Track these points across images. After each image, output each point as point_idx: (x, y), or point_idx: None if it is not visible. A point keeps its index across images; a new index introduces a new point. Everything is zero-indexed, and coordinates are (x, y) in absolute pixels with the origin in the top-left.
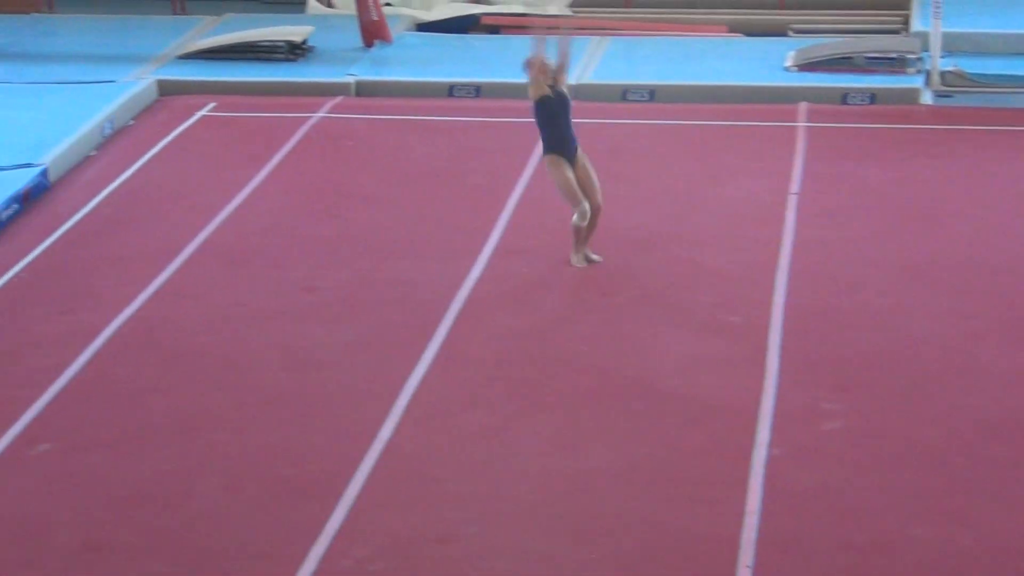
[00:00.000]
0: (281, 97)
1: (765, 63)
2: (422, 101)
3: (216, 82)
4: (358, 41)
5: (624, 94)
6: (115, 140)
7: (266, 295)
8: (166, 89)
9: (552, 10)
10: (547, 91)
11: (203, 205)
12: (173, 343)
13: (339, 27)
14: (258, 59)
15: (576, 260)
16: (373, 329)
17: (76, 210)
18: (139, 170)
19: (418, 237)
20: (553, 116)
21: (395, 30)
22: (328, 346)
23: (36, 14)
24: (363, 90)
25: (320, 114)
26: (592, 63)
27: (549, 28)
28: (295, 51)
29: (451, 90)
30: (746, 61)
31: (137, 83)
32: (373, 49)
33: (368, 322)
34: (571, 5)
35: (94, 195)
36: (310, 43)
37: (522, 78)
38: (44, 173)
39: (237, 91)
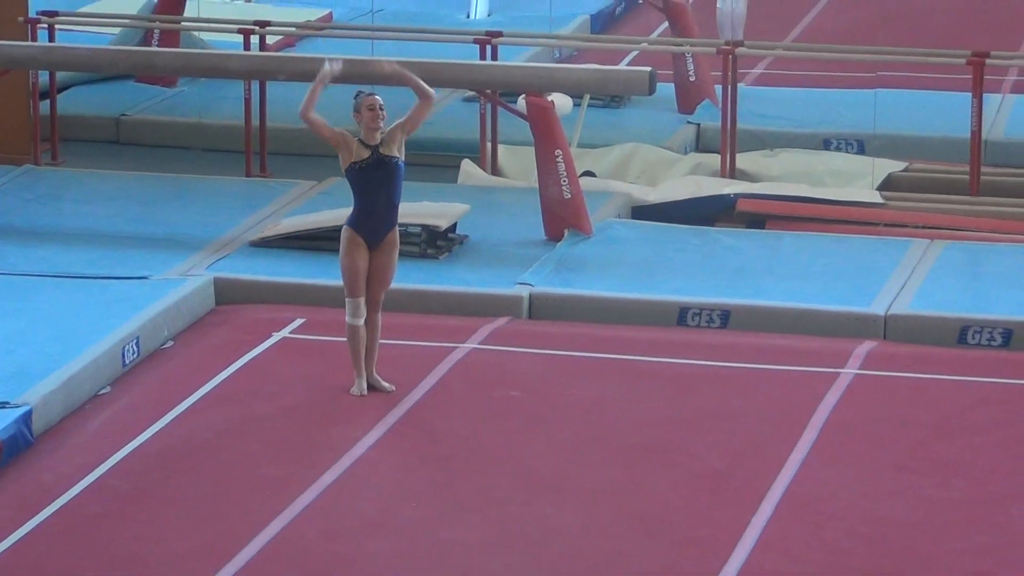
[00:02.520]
0: (410, 315)
1: None
2: (635, 331)
3: (307, 286)
4: (538, 230)
5: (963, 334)
6: (142, 371)
7: None
8: (228, 293)
9: (852, 195)
10: (362, 155)
11: (275, 482)
12: None
13: (508, 207)
14: None
15: (357, 388)
16: None
17: (72, 482)
18: (176, 422)
19: (614, 550)
20: (366, 185)
21: (599, 215)
22: None
23: (30, 167)
24: (541, 309)
25: (470, 345)
26: (913, 283)
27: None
28: (437, 243)
29: (683, 315)
30: None
31: (183, 282)
32: (562, 244)
33: None
34: (884, 188)
35: (102, 459)
36: (460, 231)
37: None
38: (26, 419)
39: (340, 302)
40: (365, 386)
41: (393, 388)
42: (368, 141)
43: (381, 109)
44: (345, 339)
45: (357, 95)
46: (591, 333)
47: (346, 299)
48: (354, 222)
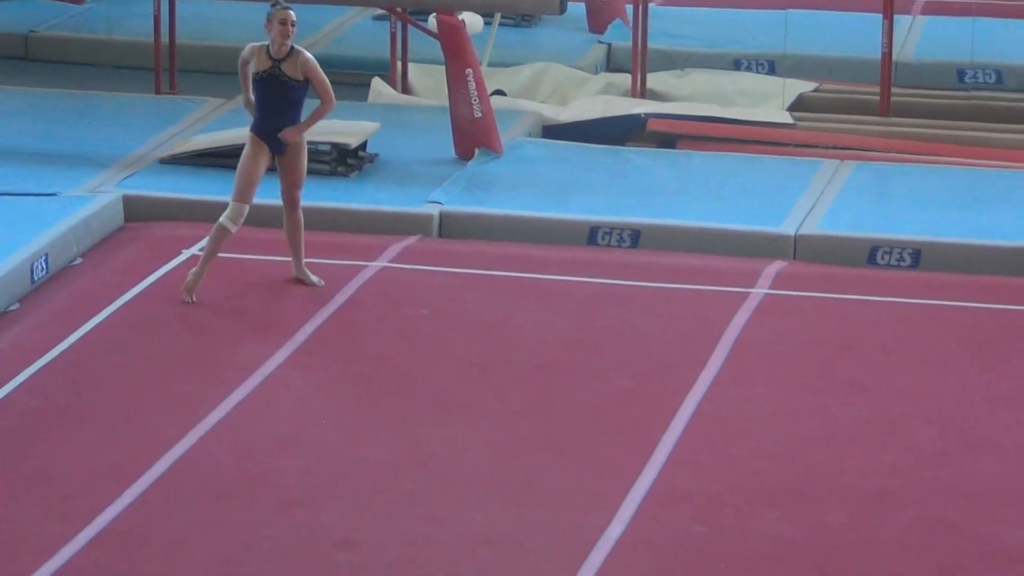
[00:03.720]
0: (320, 234)
1: None
2: (545, 250)
3: (217, 204)
4: (448, 149)
5: (872, 254)
6: (51, 288)
7: (274, 553)
8: (137, 210)
9: (762, 115)
10: (264, 66)
11: (183, 401)
12: None
13: (418, 125)
14: None
15: (189, 292)
16: None
17: None
18: (86, 339)
19: (524, 470)
20: (264, 95)
21: (509, 134)
22: None
23: None
24: (451, 227)
25: (380, 263)
26: (823, 203)
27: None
28: (347, 161)
29: (593, 234)
30: None
31: (92, 199)
32: (472, 163)
33: None
34: (794, 109)
35: (11, 376)
36: (371, 150)
37: None
38: None
39: (250, 219)
40: (193, 291)
41: (322, 282)
42: (274, 54)
43: (292, 25)
44: (231, 252)
45: (274, 4)
46: (501, 252)
47: (231, 201)
48: (256, 127)
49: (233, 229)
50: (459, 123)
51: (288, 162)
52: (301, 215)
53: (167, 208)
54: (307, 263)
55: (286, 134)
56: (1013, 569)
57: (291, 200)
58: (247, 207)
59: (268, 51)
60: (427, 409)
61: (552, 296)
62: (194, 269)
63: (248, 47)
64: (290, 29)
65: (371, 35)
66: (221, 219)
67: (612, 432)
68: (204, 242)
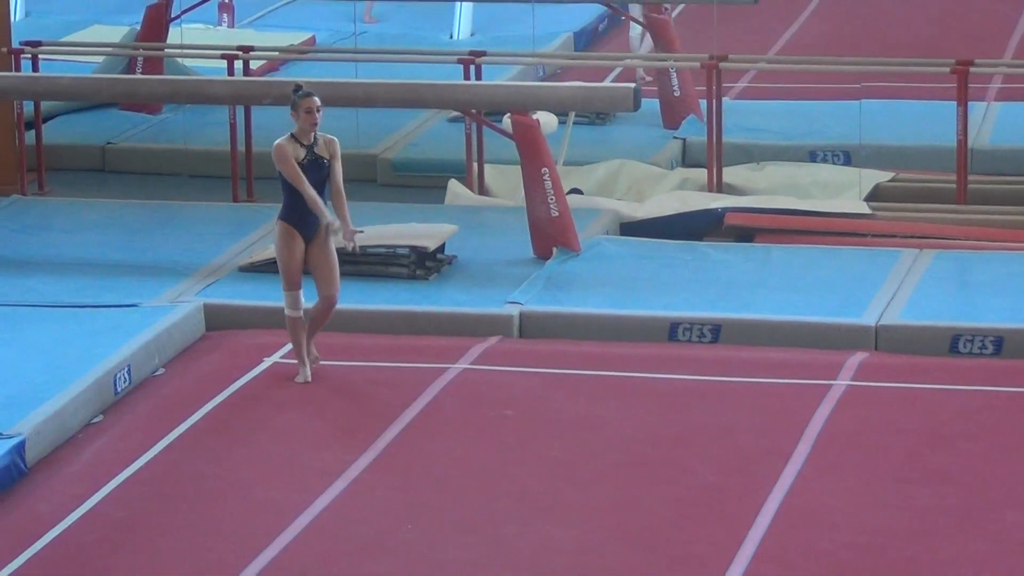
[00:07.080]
0: (400, 337)
1: None
2: (626, 348)
3: None
4: (526, 249)
5: (955, 343)
6: (134, 399)
7: None
8: (218, 319)
9: (840, 207)
10: (300, 154)
11: (270, 507)
12: None
13: (496, 226)
14: (366, 275)
15: (302, 376)
16: None
17: (67, 511)
18: (170, 448)
19: (610, 568)
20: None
21: (587, 232)
22: None
23: (17, 197)
24: (532, 327)
25: (461, 365)
26: (903, 293)
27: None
28: (425, 264)
29: (674, 330)
30: None
31: (173, 309)
32: (551, 262)
33: None
34: (871, 199)
35: (96, 487)
36: (449, 251)
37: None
38: (19, 449)
39: (330, 325)
40: (309, 374)
41: (319, 360)
42: (302, 140)
43: (318, 111)
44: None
45: (296, 90)
46: (582, 350)
47: (284, 292)
48: (289, 216)
49: (300, 314)
50: (536, 222)
51: (317, 251)
52: (332, 312)
53: (248, 316)
54: (388, 367)
55: (349, 233)
56: None
57: (330, 299)
58: (299, 292)
59: (297, 140)
60: (512, 509)
61: (634, 393)
62: (301, 366)
63: (280, 147)
64: (317, 116)
65: (446, 137)
66: (286, 312)
67: (698, 528)
68: (287, 349)
